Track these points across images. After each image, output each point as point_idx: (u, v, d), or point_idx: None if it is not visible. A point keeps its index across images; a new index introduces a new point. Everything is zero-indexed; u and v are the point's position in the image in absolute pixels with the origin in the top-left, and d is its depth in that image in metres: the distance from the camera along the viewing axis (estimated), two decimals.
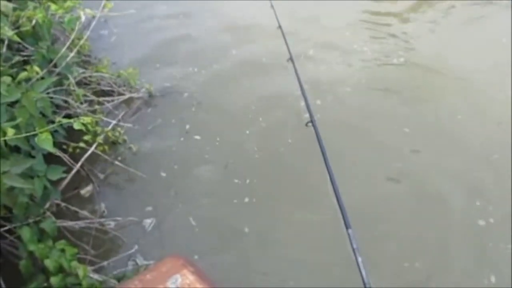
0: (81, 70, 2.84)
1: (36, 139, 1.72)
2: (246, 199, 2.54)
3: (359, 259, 1.14)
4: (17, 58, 2.21)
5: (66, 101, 2.54)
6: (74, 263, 1.94)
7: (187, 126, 2.99)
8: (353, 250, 1.17)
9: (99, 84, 3.05)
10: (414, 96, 3.33)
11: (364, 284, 1.10)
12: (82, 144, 2.48)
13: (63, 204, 2.32)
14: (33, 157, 1.98)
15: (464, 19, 4.36)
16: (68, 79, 2.48)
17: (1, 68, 1.97)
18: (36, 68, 2.06)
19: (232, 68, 3.56)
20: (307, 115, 1.93)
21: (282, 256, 2.26)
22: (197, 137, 2.93)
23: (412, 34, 4.12)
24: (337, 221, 1.32)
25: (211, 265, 2.18)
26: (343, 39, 4.00)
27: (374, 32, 4.15)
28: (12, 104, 1.90)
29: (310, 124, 1.78)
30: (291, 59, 2.40)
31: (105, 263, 2.19)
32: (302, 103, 2.98)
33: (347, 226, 1.24)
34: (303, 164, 2.70)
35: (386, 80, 3.50)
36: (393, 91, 3.38)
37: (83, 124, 1.85)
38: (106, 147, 2.67)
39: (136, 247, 2.31)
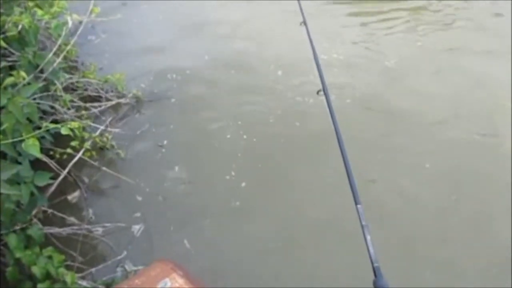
0: (68, 76, 2.82)
1: (23, 144, 1.71)
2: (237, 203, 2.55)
3: (368, 237, 1.07)
4: (3, 64, 2.19)
5: (53, 107, 2.52)
6: (62, 270, 1.92)
7: (166, 141, 2.96)
8: (362, 227, 1.10)
9: (86, 89, 3.04)
10: None
11: (372, 262, 1.03)
12: (69, 150, 2.47)
13: (50, 211, 2.30)
14: (20, 163, 1.96)
15: None
16: (54, 84, 2.46)
17: None
18: (23, 74, 2.04)
19: (220, 72, 3.57)
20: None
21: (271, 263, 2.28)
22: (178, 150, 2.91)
23: None
24: None
25: (201, 267, 2.19)
26: None
27: None
28: None
29: (321, 93, 1.63)
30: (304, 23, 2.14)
31: (93, 269, 2.18)
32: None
33: (356, 202, 1.18)
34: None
35: None
36: None
37: (71, 130, 1.84)
38: (93, 153, 2.65)
39: (124, 253, 2.29)
